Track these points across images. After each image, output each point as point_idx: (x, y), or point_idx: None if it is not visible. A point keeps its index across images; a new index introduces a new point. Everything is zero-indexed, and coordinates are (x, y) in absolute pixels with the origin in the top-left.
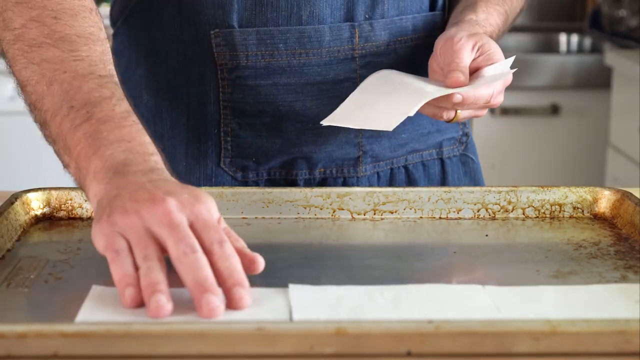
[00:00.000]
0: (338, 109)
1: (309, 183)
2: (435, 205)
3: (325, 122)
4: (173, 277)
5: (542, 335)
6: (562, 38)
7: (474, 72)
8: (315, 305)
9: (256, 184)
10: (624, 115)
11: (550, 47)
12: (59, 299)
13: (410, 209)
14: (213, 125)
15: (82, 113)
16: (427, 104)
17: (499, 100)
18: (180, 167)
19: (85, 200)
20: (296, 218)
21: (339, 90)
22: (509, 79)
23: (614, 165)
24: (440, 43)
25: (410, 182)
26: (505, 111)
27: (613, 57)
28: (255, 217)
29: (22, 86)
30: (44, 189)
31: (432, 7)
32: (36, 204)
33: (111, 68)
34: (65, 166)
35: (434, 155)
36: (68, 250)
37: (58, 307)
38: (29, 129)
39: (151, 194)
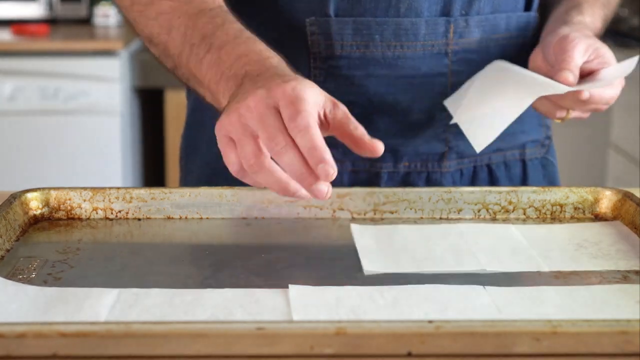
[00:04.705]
0: (460, 108)
1: (392, 177)
2: (435, 206)
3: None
4: (172, 276)
5: (543, 335)
6: None
7: (586, 74)
8: (315, 305)
9: (340, 174)
10: (625, 115)
11: None
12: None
13: (411, 209)
14: None
15: (202, 47)
16: (546, 100)
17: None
18: None
19: (85, 200)
20: (296, 218)
21: (430, 84)
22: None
23: (615, 165)
24: (553, 41)
25: (493, 181)
26: None
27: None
28: (255, 217)
29: (148, 42)
30: (43, 189)
31: (528, 7)
32: (35, 204)
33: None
34: (203, 98)
35: (517, 155)
36: (67, 250)
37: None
38: (29, 129)
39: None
